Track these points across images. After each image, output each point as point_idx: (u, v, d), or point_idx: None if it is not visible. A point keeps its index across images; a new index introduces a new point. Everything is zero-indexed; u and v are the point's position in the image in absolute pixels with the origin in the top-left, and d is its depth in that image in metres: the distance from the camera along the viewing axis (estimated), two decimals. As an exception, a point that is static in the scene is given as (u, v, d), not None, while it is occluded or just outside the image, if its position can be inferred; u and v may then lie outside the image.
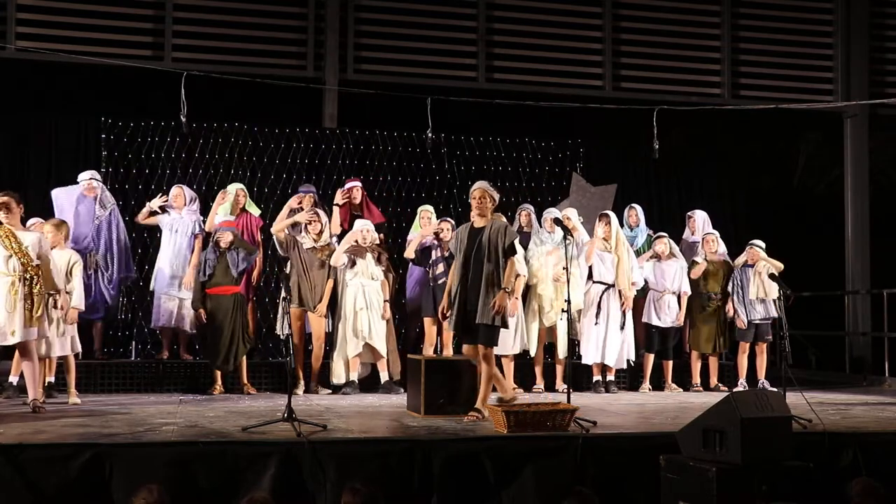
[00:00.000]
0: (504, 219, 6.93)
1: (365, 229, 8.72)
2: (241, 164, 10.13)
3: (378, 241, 8.84)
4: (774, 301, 9.14)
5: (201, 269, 8.42)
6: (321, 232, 8.66)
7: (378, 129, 10.65)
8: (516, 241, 6.63)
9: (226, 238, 8.42)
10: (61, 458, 4.98)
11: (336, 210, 9.11)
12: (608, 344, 8.92)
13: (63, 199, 8.78)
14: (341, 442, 5.45)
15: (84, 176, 8.84)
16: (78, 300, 7.46)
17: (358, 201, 9.45)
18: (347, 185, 9.55)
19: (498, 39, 11.28)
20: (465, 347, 6.73)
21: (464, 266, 6.54)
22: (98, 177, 8.93)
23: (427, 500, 5.28)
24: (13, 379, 7.52)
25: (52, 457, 4.99)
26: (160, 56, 10.29)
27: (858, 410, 7.53)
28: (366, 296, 8.57)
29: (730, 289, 9.40)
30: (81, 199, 8.73)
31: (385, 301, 8.69)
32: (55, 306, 7.12)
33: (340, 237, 9.25)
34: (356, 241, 8.66)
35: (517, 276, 8.81)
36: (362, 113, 11.88)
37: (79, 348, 7.62)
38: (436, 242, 8.93)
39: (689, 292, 9.35)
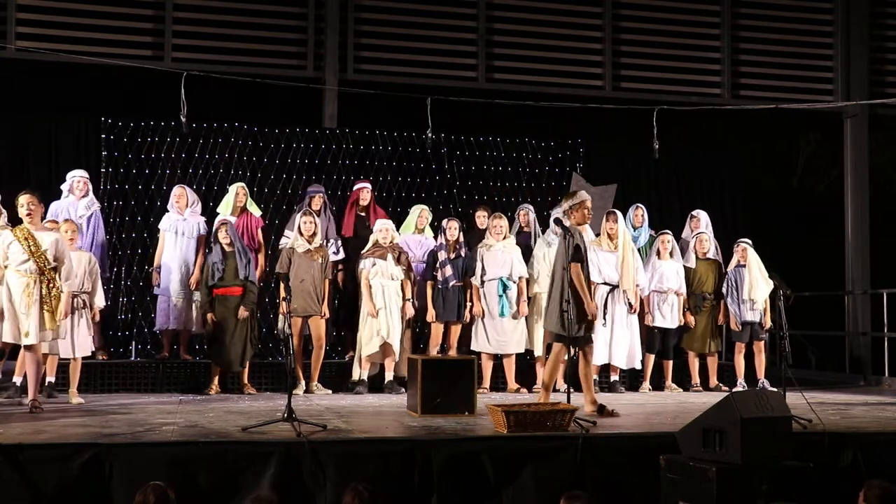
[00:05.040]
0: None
1: (385, 228, 8.74)
2: (241, 164, 10.13)
3: (398, 242, 8.87)
4: (762, 310, 9.22)
5: (210, 272, 8.43)
6: (314, 234, 8.67)
7: (378, 129, 10.64)
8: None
9: (224, 233, 8.45)
10: (61, 458, 4.98)
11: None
12: (615, 344, 8.93)
13: (54, 208, 8.77)
14: (341, 442, 5.45)
15: (75, 173, 8.86)
16: (100, 299, 7.66)
17: (366, 203, 9.47)
18: (356, 187, 9.57)
19: (498, 39, 11.27)
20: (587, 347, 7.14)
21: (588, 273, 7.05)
22: (87, 175, 8.96)
23: (427, 500, 5.28)
24: (17, 379, 7.54)
25: (52, 457, 4.99)
26: (160, 56, 10.28)
27: (858, 410, 7.53)
28: (384, 296, 8.58)
29: (723, 290, 9.41)
30: (70, 204, 8.75)
31: (406, 300, 8.71)
32: (84, 306, 7.19)
33: (348, 241, 9.28)
34: (377, 241, 8.70)
35: (520, 276, 8.88)
36: (362, 113, 11.87)
37: (94, 347, 7.71)
38: (443, 243, 8.93)
39: (685, 294, 9.37)
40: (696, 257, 9.53)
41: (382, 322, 8.54)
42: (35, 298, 6.60)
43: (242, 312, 8.42)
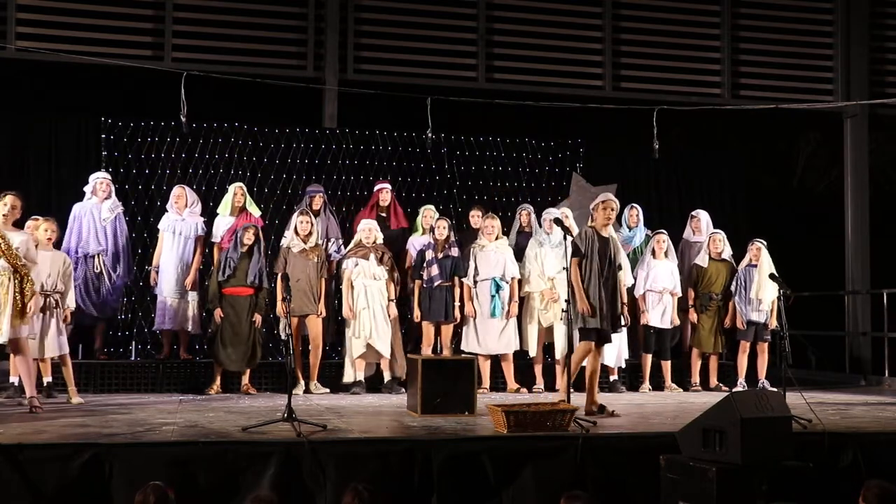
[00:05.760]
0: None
1: (368, 228, 8.74)
2: (241, 164, 10.13)
3: (382, 241, 8.85)
4: (769, 310, 9.20)
5: (222, 266, 8.43)
6: (310, 234, 8.67)
7: (378, 129, 10.64)
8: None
9: (249, 234, 8.45)
10: (61, 458, 4.99)
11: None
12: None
13: (78, 210, 8.78)
14: (341, 442, 5.45)
15: (98, 175, 8.88)
16: (71, 301, 7.60)
17: (386, 203, 9.48)
18: (376, 188, 9.57)
19: (498, 39, 11.27)
20: (595, 346, 7.13)
21: (599, 270, 7.08)
22: (109, 177, 8.98)
23: (427, 500, 5.28)
24: (14, 379, 7.53)
25: (52, 457, 5.00)
26: (160, 56, 10.28)
27: (858, 410, 7.53)
28: (367, 296, 8.58)
29: (732, 289, 9.40)
30: (94, 206, 8.75)
31: (390, 301, 8.70)
32: (55, 306, 7.14)
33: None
34: (360, 241, 8.69)
35: (513, 277, 8.88)
36: (362, 113, 11.87)
37: (68, 349, 7.66)
38: (431, 242, 8.93)
39: (680, 294, 9.36)
40: (710, 257, 9.53)
41: (366, 323, 8.54)
42: (10, 295, 6.59)
43: (259, 319, 8.45)
